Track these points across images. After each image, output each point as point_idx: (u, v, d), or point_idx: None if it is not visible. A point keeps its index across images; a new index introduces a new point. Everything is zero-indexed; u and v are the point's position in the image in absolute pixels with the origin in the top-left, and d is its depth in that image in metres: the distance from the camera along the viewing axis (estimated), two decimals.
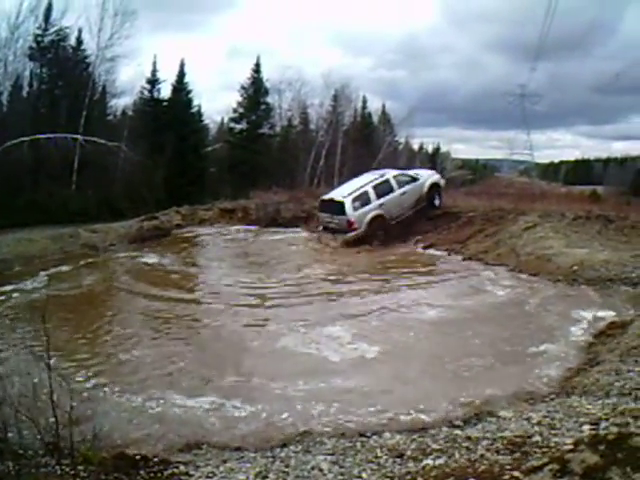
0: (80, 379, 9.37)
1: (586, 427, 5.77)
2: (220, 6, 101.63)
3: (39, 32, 36.22)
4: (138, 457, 6.37)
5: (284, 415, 8.01)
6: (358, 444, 6.45)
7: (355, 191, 22.02)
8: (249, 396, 8.64)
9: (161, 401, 8.53)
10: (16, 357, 10.15)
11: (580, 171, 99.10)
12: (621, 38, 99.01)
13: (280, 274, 17.26)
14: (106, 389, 9.04)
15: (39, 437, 5.89)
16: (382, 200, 22.04)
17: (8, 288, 15.43)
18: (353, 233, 21.52)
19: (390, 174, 23.43)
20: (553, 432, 5.81)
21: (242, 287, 15.76)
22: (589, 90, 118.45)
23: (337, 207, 21.79)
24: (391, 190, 22.51)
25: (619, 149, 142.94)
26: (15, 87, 35.97)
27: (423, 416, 7.66)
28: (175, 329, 12.31)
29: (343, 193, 22.27)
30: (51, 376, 5.93)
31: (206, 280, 17.35)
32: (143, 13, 40.80)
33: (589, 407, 6.60)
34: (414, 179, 23.55)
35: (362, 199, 21.79)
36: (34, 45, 36.18)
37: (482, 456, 5.43)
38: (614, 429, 5.33)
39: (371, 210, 21.78)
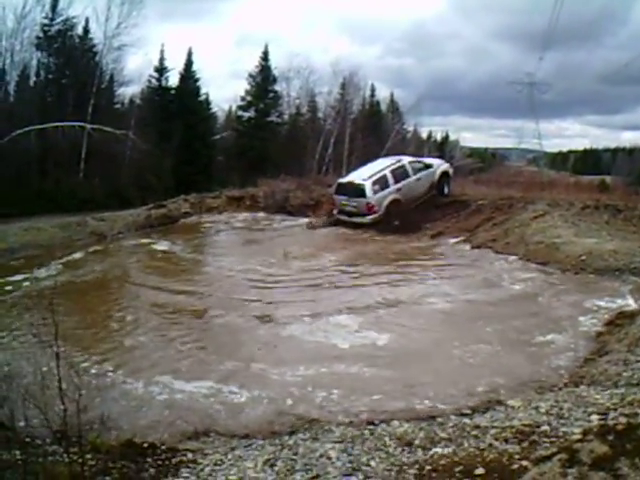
0: (87, 365, 9.46)
1: (594, 417, 5.76)
2: None
3: (46, 22, 36.16)
4: (146, 445, 6.40)
5: (289, 401, 8.06)
6: (366, 432, 6.45)
7: (374, 175, 22.07)
8: (264, 382, 8.70)
9: (165, 388, 8.59)
10: (25, 345, 10.21)
11: (589, 161, 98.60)
12: (632, 28, 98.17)
13: (288, 262, 17.26)
14: (112, 375, 9.13)
15: (47, 425, 5.90)
16: (399, 185, 22.18)
17: (19, 277, 15.52)
18: (372, 216, 21.58)
19: (406, 160, 23.57)
20: (562, 422, 5.80)
21: (249, 275, 15.77)
22: (598, 80, 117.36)
23: (356, 190, 21.84)
24: (407, 175, 22.63)
25: (628, 139, 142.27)
26: (22, 77, 35.86)
27: (432, 404, 7.68)
28: (181, 317, 12.37)
29: (362, 176, 22.34)
30: (59, 364, 5.94)
31: (214, 267, 17.42)
32: (150, 1, 40.73)
33: (597, 397, 6.58)
34: (427, 166, 23.64)
35: (381, 183, 21.89)
36: (41, 35, 36.10)
37: (491, 445, 5.43)
38: (623, 419, 5.30)
39: (390, 194, 21.91)
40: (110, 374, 9.17)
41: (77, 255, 18.58)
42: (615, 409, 5.86)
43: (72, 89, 35.71)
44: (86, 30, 37.81)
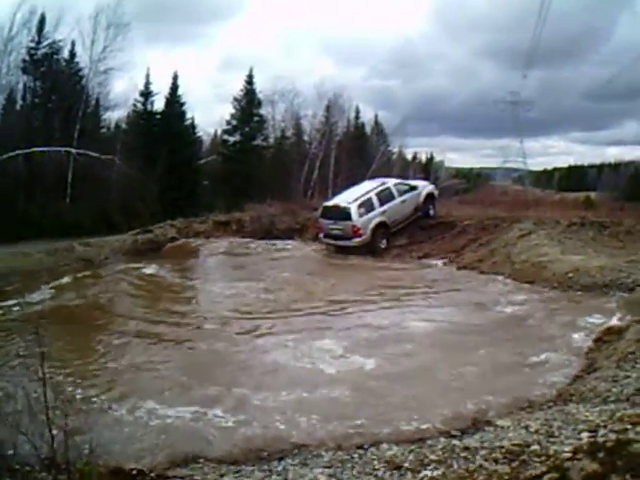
0: (73, 389, 9.47)
1: (584, 434, 5.73)
2: (212, 18, 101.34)
3: (32, 45, 36.03)
4: (135, 472, 6.32)
5: (281, 426, 7.99)
6: (355, 456, 6.41)
7: (359, 197, 22.08)
8: (249, 408, 8.62)
9: (150, 413, 8.52)
10: (15, 371, 10.16)
11: (574, 177, 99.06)
12: (615, 43, 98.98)
13: (274, 286, 17.21)
14: (98, 400, 9.07)
15: (35, 453, 5.84)
16: (384, 207, 22.20)
17: (9, 302, 15.46)
18: (358, 239, 21.54)
19: (391, 182, 23.64)
20: (551, 440, 5.77)
21: (235, 300, 15.74)
22: (582, 96, 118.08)
23: (342, 213, 21.81)
24: (392, 198, 22.66)
25: (613, 155, 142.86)
26: (9, 100, 35.73)
27: (421, 426, 7.63)
28: (166, 342, 12.27)
29: (348, 199, 22.32)
30: (46, 391, 5.90)
31: (200, 293, 17.39)
32: (135, 25, 40.51)
33: (587, 414, 6.56)
34: (412, 188, 23.69)
35: (366, 205, 21.90)
36: (27, 58, 36.00)
37: (480, 466, 5.39)
38: (612, 436, 5.30)
39: (375, 216, 21.92)
40: (95, 399, 9.10)
41: (66, 280, 18.55)
42: (605, 426, 5.84)
43: (58, 113, 35.63)
44: (72, 54, 37.70)
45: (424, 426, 7.62)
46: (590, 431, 5.79)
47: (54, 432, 5.73)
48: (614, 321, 11.51)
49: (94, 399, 9.14)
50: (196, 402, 8.80)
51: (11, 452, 5.96)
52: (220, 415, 8.37)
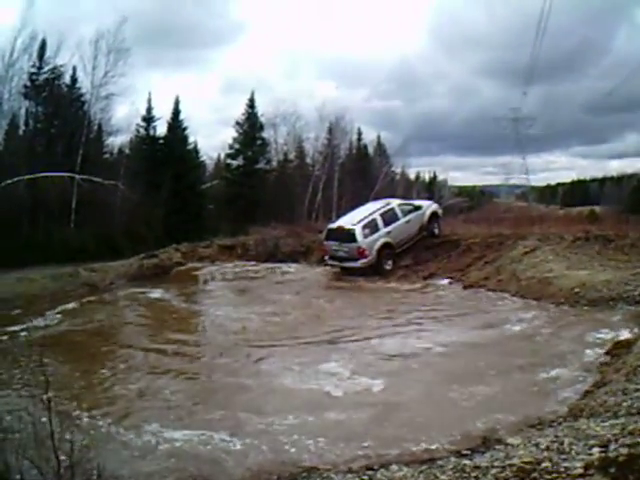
0: (79, 414, 9.48)
1: (596, 450, 5.66)
2: (214, 42, 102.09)
3: (33, 70, 36.12)
4: None
5: (290, 449, 7.93)
6: (365, 478, 6.34)
7: (364, 219, 22.05)
8: (257, 431, 8.55)
9: (159, 437, 8.49)
10: (20, 396, 10.17)
11: (577, 192, 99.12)
12: (613, 56, 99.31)
13: (279, 310, 17.19)
14: (104, 424, 9.08)
15: (41, 479, 5.81)
16: (389, 228, 22.19)
17: (16, 328, 15.57)
18: (363, 260, 21.50)
19: (395, 202, 23.61)
20: (562, 457, 5.69)
21: (240, 324, 15.63)
22: (583, 110, 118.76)
23: (346, 235, 21.78)
24: (397, 218, 22.64)
25: (615, 168, 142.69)
26: (11, 126, 35.80)
27: (430, 446, 7.57)
28: (172, 366, 12.27)
29: (352, 221, 22.29)
30: (51, 416, 5.88)
31: (206, 317, 17.39)
32: (137, 50, 40.75)
33: (597, 429, 6.49)
34: (417, 208, 23.68)
35: (371, 226, 21.88)
36: (29, 83, 36.10)
37: None
38: (624, 450, 5.24)
39: (380, 237, 21.90)
40: (102, 424, 9.09)
41: (71, 305, 18.59)
42: (616, 440, 5.77)
43: (61, 139, 35.80)
44: (74, 79, 37.83)
45: (433, 446, 7.57)
46: (601, 446, 5.72)
47: (60, 457, 5.70)
48: (623, 335, 11.46)
49: (100, 424, 9.13)
50: (203, 426, 8.75)
51: (18, 477, 5.93)
52: (227, 439, 8.30)
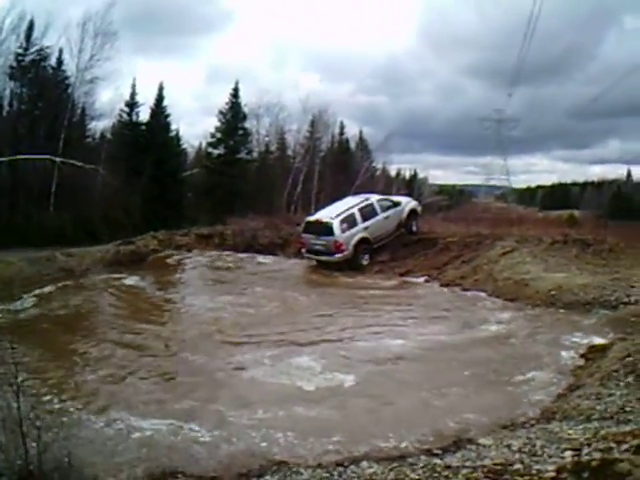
0: (52, 401, 9.46)
1: (568, 453, 5.65)
2: (200, 29, 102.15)
3: (20, 51, 35.93)
4: None
5: (260, 443, 7.86)
6: (335, 474, 6.29)
7: (342, 213, 21.99)
8: (222, 424, 8.51)
9: (130, 426, 8.44)
10: None
11: (557, 195, 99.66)
12: (600, 62, 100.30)
13: (254, 301, 17.09)
14: (76, 412, 9.02)
15: (8, 467, 5.72)
16: (367, 223, 22.15)
17: None
18: (340, 255, 21.46)
19: (374, 198, 23.57)
20: (534, 459, 5.68)
21: (213, 315, 15.56)
22: (567, 115, 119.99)
23: (324, 228, 21.72)
24: (375, 214, 22.61)
25: (596, 173, 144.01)
26: None
27: (400, 444, 7.53)
28: (143, 355, 12.21)
29: (330, 214, 22.23)
30: (19, 403, 5.79)
31: (180, 306, 17.23)
32: (123, 35, 40.45)
33: (570, 432, 6.49)
34: (395, 204, 23.64)
35: (349, 221, 21.81)
36: (15, 64, 35.86)
37: None
38: (597, 455, 5.23)
39: (357, 232, 21.83)
40: (73, 410, 9.05)
41: (47, 289, 18.50)
42: (589, 444, 5.77)
43: (44, 121, 35.47)
44: (60, 61, 37.70)
45: (403, 444, 7.53)
46: (574, 450, 5.71)
47: (29, 444, 5.62)
48: (598, 339, 11.49)
49: (71, 410, 9.09)
50: (173, 416, 8.71)
51: None
52: (196, 430, 8.28)
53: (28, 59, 36.42)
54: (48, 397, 9.53)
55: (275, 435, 8.04)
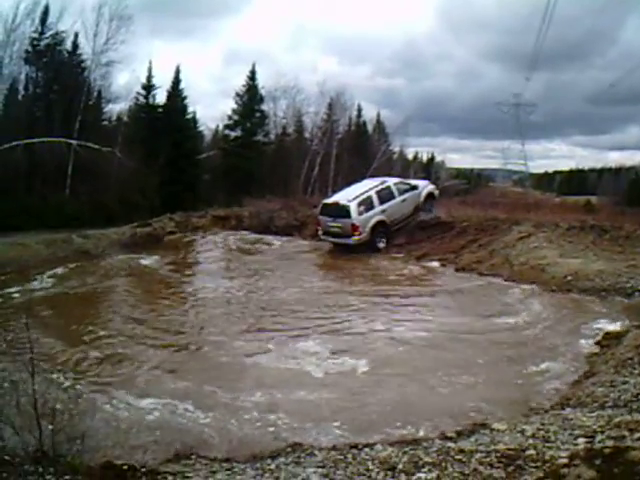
0: (63, 381, 9.63)
1: (581, 440, 5.66)
2: (217, 11, 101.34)
3: (35, 35, 35.77)
4: (125, 467, 6.26)
5: (274, 424, 7.97)
6: (349, 456, 6.31)
7: (359, 196, 22.02)
8: (232, 408, 8.65)
9: (142, 408, 8.66)
10: (8, 363, 10.17)
11: (574, 181, 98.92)
12: (621, 47, 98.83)
13: (268, 284, 17.20)
14: (90, 393, 9.20)
15: (22, 446, 5.79)
16: (384, 206, 22.16)
17: (5, 291, 15.81)
18: (356, 237, 21.49)
19: (391, 181, 23.56)
20: (548, 445, 5.70)
21: (226, 297, 15.74)
22: (586, 100, 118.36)
23: (341, 211, 21.77)
24: (392, 197, 22.63)
25: (614, 159, 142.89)
26: (11, 90, 35.50)
27: (415, 429, 7.60)
28: (149, 335, 12.46)
29: (348, 197, 22.26)
30: (34, 384, 5.86)
31: (192, 288, 17.40)
32: (139, 18, 40.36)
33: (584, 419, 6.49)
34: (413, 187, 23.64)
35: (366, 204, 21.85)
36: (30, 48, 35.73)
37: (475, 470, 5.30)
38: (610, 442, 5.24)
39: (375, 215, 21.90)
40: (84, 390, 9.27)
41: (63, 270, 18.87)
42: (602, 432, 5.77)
43: (60, 104, 35.34)
44: (75, 45, 37.46)
45: (416, 430, 7.60)
46: (587, 437, 5.72)
47: (43, 425, 5.69)
48: (613, 326, 11.46)
49: (84, 390, 9.28)
50: (184, 399, 8.90)
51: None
52: (207, 413, 8.44)
53: (43, 43, 36.24)
54: (61, 378, 9.69)
55: (288, 418, 8.21)
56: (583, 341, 10.97)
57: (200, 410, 8.51)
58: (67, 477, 5.54)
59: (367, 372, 10.07)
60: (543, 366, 9.95)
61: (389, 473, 5.55)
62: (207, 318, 13.75)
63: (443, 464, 5.58)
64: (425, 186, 24.67)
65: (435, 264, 19.70)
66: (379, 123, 59.84)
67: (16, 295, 15.61)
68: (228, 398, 8.95)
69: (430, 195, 24.26)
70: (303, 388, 9.33)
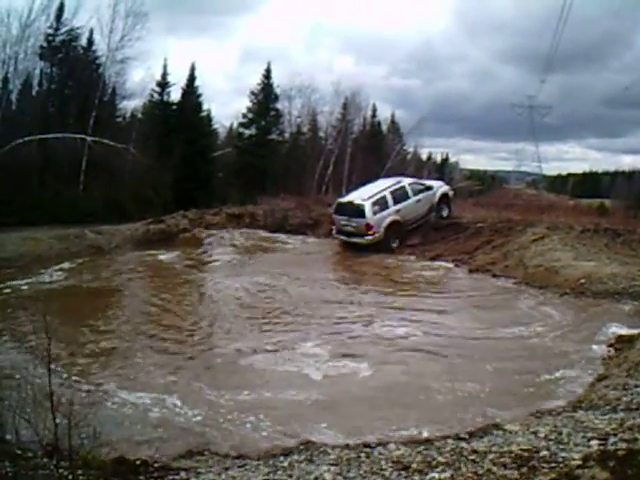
0: (77, 375, 9.77)
1: (594, 442, 5.67)
2: (233, 9, 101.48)
3: (50, 31, 35.78)
4: (138, 462, 6.31)
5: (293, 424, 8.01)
6: (362, 455, 6.33)
7: (374, 195, 22.05)
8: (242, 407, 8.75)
9: (155, 404, 8.74)
10: (18, 354, 10.30)
11: (588, 184, 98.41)
12: (637, 51, 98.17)
13: (279, 283, 17.18)
14: (105, 386, 9.34)
15: (37, 440, 5.83)
16: (399, 206, 22.17)
17: (17, 282, 16.09)
18: (370, 237, 21.51)
19: (406, 181, 23.57)
20: (561, 447, 5.70)
21: (236, 295, 15.80)
22: (601, 103, 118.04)
23: (355, 210, 21.80)
24: (407, 197, 22.64)
25: (628, 163, 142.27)
26: (25, 86, 35.59)
27: (427, 429, 7.62)
28: (151, 331, 12.56)
29: (362, 196, 22.28)
30: (51, 378, 5.89)
31: (202, 286, 17.41)
32: (155, 15, 40.46)
33: (597, 422, 6.50)
34: (428, 188, 23.65)
35: (380, 203, 21.87)
36: (45, 44, 35.76)
37: (489, 470, 5.31)
38: (623, 445, 5.25)
39: (389, 215, 21.92)
40: (102, 384, 9.39)
41: (75, 264, 19.16)
42: (615, 434, 5.78)
43: (74, 100, 35.56)
44: (90, 41, 37.53)
45: (431, 428, 7.62)
46: (600, 439, 5.73)
47: (57, 419, 5.72)
48: (626, 330, 11.43)
49: (99, 384, 9.41)
50: (189, 398, 8.96)
51: (10, 437, 5.96)
52: (222, 412, 8.49)
53: (58, 39, 36.24)
54: (74, 372, 9.80)
55: (298, 415, 8.33)
56: (595, 347, 10.88)
57: (199, 410, 8.57)
58: (80, 471, 5.59)
59: (374, 377, 10.02)
60: (558, 374, 9.79)
61: (402, 472, 5.56)
62: (217, 315, 13.87)
63: (456, 464, 5.59)
64: (440, 186, 24.66)
65: (449, 265, 19.68)
66: (394, 123, 59.75)
67: (25, 287, 15.80)
68: (245, 399, 9.00)
69: (445, 196, 24.23)
70: (303, 388, 9.38)
